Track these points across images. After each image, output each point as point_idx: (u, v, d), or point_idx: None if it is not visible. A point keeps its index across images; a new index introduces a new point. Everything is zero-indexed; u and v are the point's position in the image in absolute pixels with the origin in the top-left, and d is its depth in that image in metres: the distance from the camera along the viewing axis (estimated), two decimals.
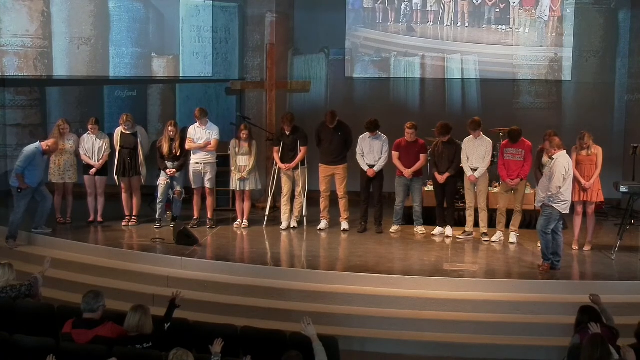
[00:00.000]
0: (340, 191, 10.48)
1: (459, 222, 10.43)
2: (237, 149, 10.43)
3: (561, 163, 8.53)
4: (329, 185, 10.57)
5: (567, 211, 8.72)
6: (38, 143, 9.93)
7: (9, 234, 9.88)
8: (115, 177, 10.57)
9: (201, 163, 10.44)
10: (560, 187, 8.47)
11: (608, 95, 12.61)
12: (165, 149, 10.36)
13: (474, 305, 8.09)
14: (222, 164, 10.85)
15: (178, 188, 10.51)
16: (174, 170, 10.39)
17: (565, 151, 8.69)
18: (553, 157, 8.65)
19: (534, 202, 9.56)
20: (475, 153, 9.96)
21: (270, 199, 10.93)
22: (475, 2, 12.61)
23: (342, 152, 10.45)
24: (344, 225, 10.54)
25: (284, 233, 10.50)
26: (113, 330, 5.99)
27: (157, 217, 10.61)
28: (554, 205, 8.54)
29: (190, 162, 10.46)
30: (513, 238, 9.91)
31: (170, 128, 10.39)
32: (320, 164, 10.55)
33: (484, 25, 12.65)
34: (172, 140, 10.37)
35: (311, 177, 10.88)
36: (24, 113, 13.02)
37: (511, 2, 12.52)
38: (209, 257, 9.32)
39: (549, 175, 8.61)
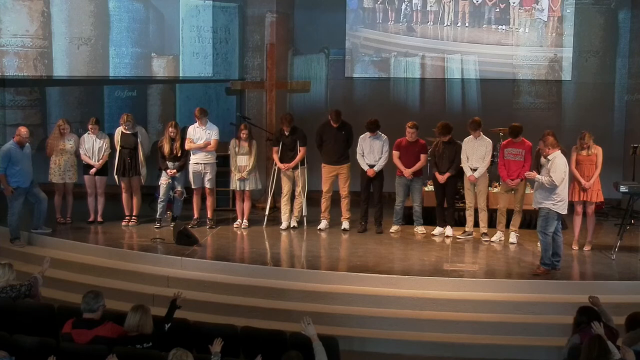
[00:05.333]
0: (344, 190, 10.47)
1: (459, 222, 10.43)
2: (237, 149, 10.43)
3: (561, 162, 8.48)
4: (332, 185, 10.57)
5: (565, 211, 8.69)
6: (12, 139, 9.90)
7: (12, 236, 9.89)
8: (116, 177, 10.57)
9: (201, 163, 10.44)
10: (557, 184, 8.36)
11: (608, 95, 12.60)
12: (166, 149, 10.36)
13: (474, 305, 8.09)
14: (222, 164, 10.85)
15: (179, 188, 10.51)
16: (175, 170, 10.40)
17: (560, 151, 8.65)
18: (549, 157, 8.59)
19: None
20: (475, 153, 9.96)
21: (270, 199, 10.93)
22: (475, 2, 12.61)
23: (345, 152, 10.46)
24: (345, 224, 10.53)
25: (284, 233, 10.50)
26: (113, 330, 5.99)
27: (157, 216, 10.61)
28: (550, 206, 8.50)
29: (190, 162, 10.46)
30: (513, 238, 9.91)
31: (170, 129, 10.38)
32: (323, 165, 10.54)
33: (484, 25, 12.66)
34: (172, 140, 10.37)
35: (311, 177, 10.89)
36: (24, 113, 13.04)
37: (511, 2, 12.52)
38: (209, 257, 9.31)
39: (547, 176, 8.52)
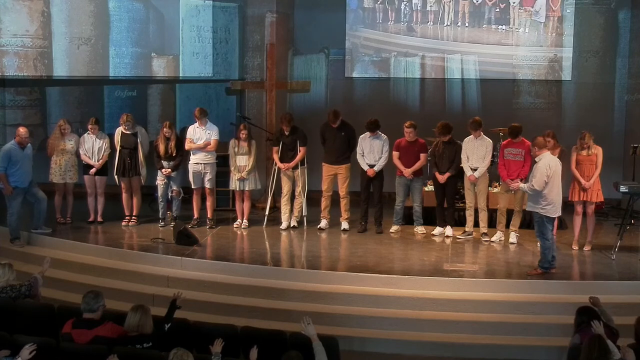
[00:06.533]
0: (342, 191, 10.47)
1: (459, 222, 10.43)
2: (236, 149, 10.43)
3: (544, 164, 8.35)
4: (331, 184, 10.57)
5: (556, 214, 8.63)
6: (13, 139, 9.91)
7: (11, 236, 9.89)
8: (116, 177, 10.58)
9: (201, 163, 10.45)
10: (537, 189, 8.27)
11: (608, 95, 12.60)
12: (161, 149, 10.37)
13: (474, 305, 8.09)
14: (222, 164, 10.85)
15: (175, 187, 10.51)
16: (169, 170, 10.40)
17: (549, 152, 8.61)
18: (536, 159, 8.49)
19: None
20: (475, 153, 9.96)
21: (270, 199, 10.93)
22: (475, 2, 12.61)
23: (344, 152, 10.45)
24: (344, 225, 10.53)
25: (284, 233, 10.50)
26: (113, 330, 5.99)
27: (160, 215, 10.62)
28: (539, 210, 8.46)
29: (190, 162, 10.47)
30: (513, 238, 9.91)
31: (165, 129, 10.39)
32: (323, 163, 10.56)
33: (484, 25, 12.66)
34: (168, 140, 10.38)
35: (311, 177, 10.89)
36: (24, 113, 13.04)
37: (511, 2, 12.52)
38: (209, 257, 9.32)
39: (531, 178, 8.44)
